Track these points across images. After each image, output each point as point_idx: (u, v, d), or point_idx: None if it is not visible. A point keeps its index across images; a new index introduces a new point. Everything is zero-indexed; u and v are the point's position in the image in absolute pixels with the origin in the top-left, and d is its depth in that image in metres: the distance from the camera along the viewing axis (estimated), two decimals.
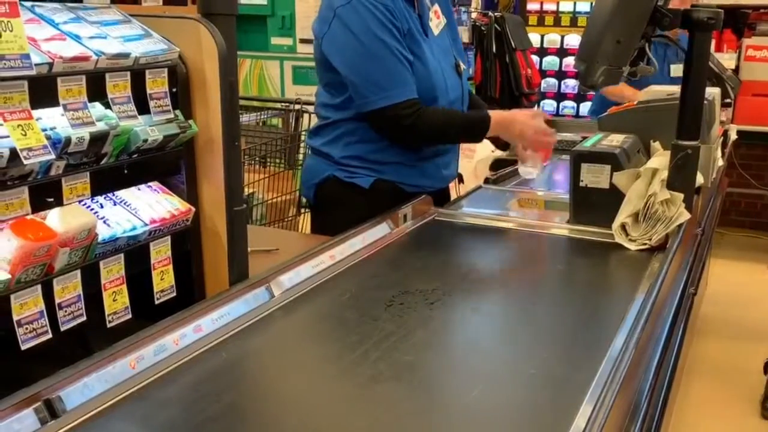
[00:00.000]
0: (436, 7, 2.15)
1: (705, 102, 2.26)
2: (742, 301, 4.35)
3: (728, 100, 3.02)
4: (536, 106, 4.94)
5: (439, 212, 2.13)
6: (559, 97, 5.66)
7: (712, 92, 2.45)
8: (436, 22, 2.13)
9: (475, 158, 3.11)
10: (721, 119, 3.42)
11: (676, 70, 3.81)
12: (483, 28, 3.89)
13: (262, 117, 4.18)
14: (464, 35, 3.71)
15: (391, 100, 1.95)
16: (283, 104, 4.03)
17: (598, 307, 1.57)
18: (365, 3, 1.93)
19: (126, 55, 1.17)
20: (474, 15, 3.95)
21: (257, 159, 3.64)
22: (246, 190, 3.37)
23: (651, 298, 1.51)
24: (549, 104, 5.69)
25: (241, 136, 3.71)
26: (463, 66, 2.20)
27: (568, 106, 5.64)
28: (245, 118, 4.09)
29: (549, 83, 5.62)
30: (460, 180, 2.33)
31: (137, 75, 1.20)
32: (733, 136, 3.90)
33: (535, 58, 5.33)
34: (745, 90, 4.72)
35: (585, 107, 5.54)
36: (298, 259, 1.54)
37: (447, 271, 1.72)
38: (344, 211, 2.01)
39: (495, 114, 2.12)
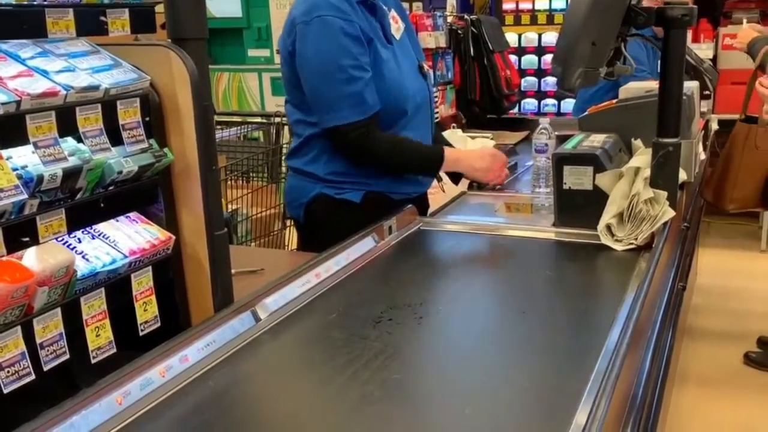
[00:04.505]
0: (393, 12, 2.15)
1: (684, 97, 2.27)
2: (732, 290, 4.37)
3: (707, 92, 3.03)
4: (517, 106, 4.93)
5: (424, 221, 2.12)
6: (540, 95, 5.66)
7: (691, 86, 2.46)
8: (396, 27, 2.13)
9: None
10: (701, 111, 3.43)
11: None
12: (459, 31, 3.87)
13: (243, 131, 4.16)
14: (441, 40, 3.71)
15: (341, 120, 1.96)
16: (263, 118, 4.01)
17: (587, 311, 1.56)
18: (325, 19, 1.92)
19: (96, 88, 1.15)
20: (450, 19, 3.94)
21: (240, 174, 3.62)
22: (229, 206, 3.35)
23: (640, 299, 1.51)
24: (530, 103, 5.69)
25: (221, 155, 3.70)
26: (426, 67, 2.20)
27: (549, 104, 5.64)
28: (226, 133, 4.07)
29: (529, 82, 5.63)
30: (439, 179, 2.33)
31: (108, 106, 1.18)
32: (714, 126, 3.92)
33: (513, 58, 5.32)
34: (724, 79, 4.74)
35: (566, 104, 5.55)
36: (283, 279, 1.52)
37: (434, 283, 1.71)
38: (336, 227, 1.96)
39: (448, 150, 2.18)
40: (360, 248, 1.79)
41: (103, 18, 1.21)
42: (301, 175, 2.14)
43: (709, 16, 5.20)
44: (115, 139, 1.20)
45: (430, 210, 2.31)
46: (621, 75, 1.99)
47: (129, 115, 1.20)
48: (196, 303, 1.40)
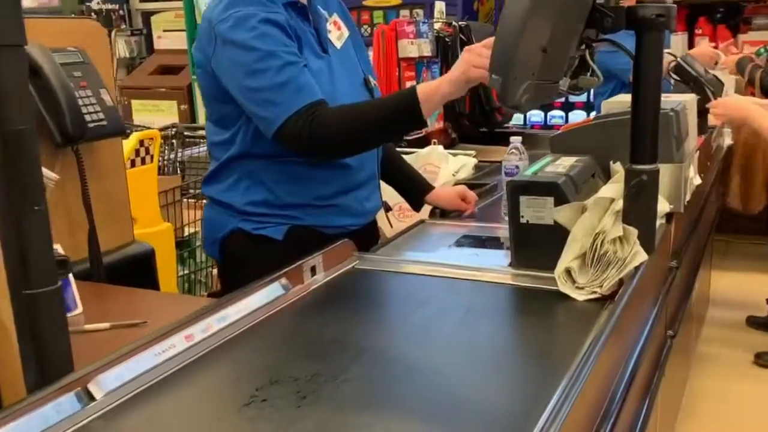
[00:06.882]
0: (335, 17, 1.85)
1: (671, 113, 1.93)
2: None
3: (709, 106, 2.69)
4: (523, 118, 4.60)
5: (361, 259, 1.81)
6: (546, 106, 5.30)
7: (683, 100, 2.11)
8: (337, 34, 1.83)
9: (436, 183, 2.78)
10: (716, 124, 3.09)
11: None
12: (447, 39, 3.57)
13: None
14: (425, 48, 3.40)
15: (285, 113, 1.64)
16: None
17: (529, 380, 1.25)
18: (245, 16, 1.64)
19: None
20: (437, 25, 3.63)
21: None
22: (186, 230, 3.12)
23: (588, 365, 1.20)
24: (536, 115, 5.32)
25: (179, 174, 3.43)
26: (373, 81, 1.89)
27: (557, 116, 5.26)
28: (199, 149, 3.85)
29: None
30: (387, 209, 2.01)
31: None
32: (728, 141, 3.56)
33: None
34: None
35: (574, 116, 5.18)
36: (137, 345, 1.22)
37: (343, 344, 1.38)
38: (256, 269, 1.61)
39: (420, 87, 1.68)
40: (259, 299, 1.48)
41: None
42: (217, 206, 1.84)
43: (728, 21, 4.84)
44: None
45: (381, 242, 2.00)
46: (588, 87, 1.67)
47: None
48: (8, 382, 1.11)
